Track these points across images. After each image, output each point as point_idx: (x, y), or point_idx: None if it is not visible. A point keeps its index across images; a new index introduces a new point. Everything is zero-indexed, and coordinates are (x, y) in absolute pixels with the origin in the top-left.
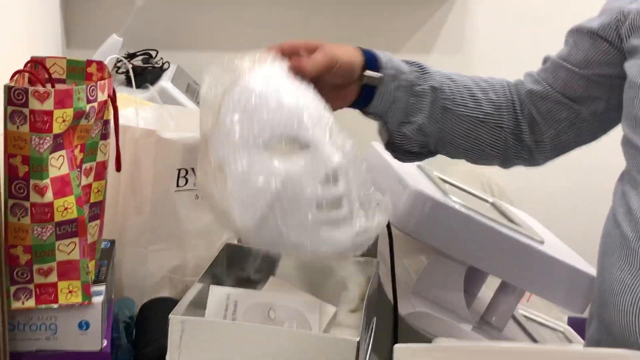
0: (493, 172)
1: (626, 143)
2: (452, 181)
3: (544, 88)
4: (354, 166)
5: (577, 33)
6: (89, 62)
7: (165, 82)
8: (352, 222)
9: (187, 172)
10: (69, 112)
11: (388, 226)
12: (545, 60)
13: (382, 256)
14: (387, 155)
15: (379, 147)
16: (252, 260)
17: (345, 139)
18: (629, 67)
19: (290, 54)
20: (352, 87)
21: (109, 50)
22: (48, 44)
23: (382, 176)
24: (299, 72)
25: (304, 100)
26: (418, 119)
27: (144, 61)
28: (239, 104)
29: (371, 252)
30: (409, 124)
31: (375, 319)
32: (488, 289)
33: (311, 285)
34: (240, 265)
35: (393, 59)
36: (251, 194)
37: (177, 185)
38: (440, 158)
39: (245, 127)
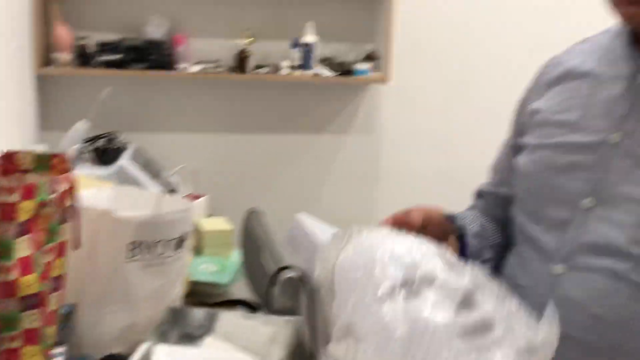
0: None
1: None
2: None
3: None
4: (488, 286)
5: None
6: (54, 156)
7: (125, 160)
8: (509, 343)
9: (137, 245)
10: (34, 203)
11: (305, 284)
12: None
13: (306, 314)
14: (308, 224)
15: (301, 219)
16: (193, 319)
17: (466, 266)
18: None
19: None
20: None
21: (77, 135)
22: (23, 126)
23: (306, 245)
24: (405, 226)
25: (415, 244)
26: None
27: (107, 142)
28: (354, 264)
29: (295, 309)
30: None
31: None
32: None
33: (244, 341)
34: (183, 324)
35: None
36: (382, 348)
37: (128, 257)
38: None
39: (364, 284)
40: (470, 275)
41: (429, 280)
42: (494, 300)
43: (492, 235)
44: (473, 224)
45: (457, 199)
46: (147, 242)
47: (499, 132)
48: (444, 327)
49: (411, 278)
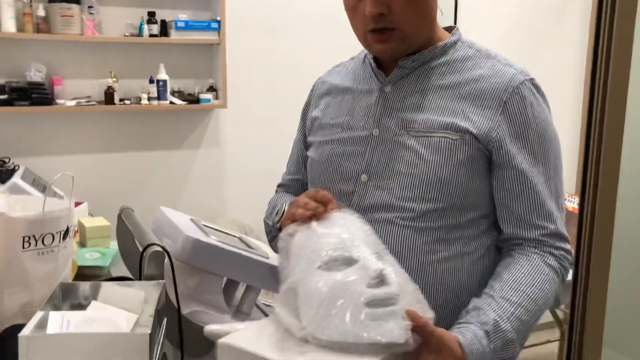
0: (249, 219)
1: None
2: (215, 226)
3: None
4: (406, 279)
5: None
6: None
7: (17, 179)
8: (402, 317)
9: (29, 238)
10: None
11: (169, 255)
12: None
13: (169, 278)
14: (169, 213)
15: (164, 210)
16: (80, 291)
17: (395, 263)
18: None
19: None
20: None
21: None
22: None
23: (167, 228)
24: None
25: (353, 230)
26: None
27: (0, 165)
28: (301, 242)
29: (161, 275)
30: None
31: (166, 319)
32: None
33: (123, 303)
34: (73, 296)
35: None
36: (310, 300)
37: (23, 248)
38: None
39: (307, 256)
40: (387, 261)
41: (354, 261)
42: (400, 283)
43: None
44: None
45: None
46: (37, 235)
47: None
48: (357, 294)
49: (341, 258)
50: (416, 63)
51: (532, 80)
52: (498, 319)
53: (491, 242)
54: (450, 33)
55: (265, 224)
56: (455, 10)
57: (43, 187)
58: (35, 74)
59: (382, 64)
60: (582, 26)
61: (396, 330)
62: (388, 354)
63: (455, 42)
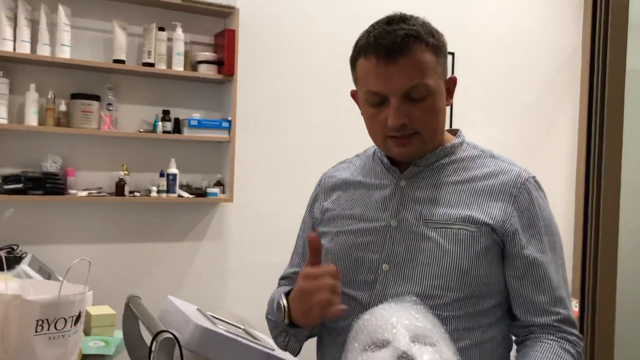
0: (249, 314)
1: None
2: (221, 317)
3: None
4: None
5: None
6: None
7: (24, 265)
8: None
9: (43, 322)
10: None
11: (179, 343)
12: None
13: None
14: (177, 302)
15: (171, 299)
16: None
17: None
18: None
19: None
20: None
21: None
22: None
23: (175, 316)
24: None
25: (396, 318)
26: None
27: (9, 252)
28: (357, 328)
29: None
30: None
31: None
32: None
33: None
34: None
35: None
36: None
37: (35, 332)
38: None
39: (358, 340)
40: (427, 344)
41: (388, 343)
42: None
43: None
44: None
45: None
46: (51, 319)
47: None
48: None
49: (380, 340)
50: (429, 161)
51: (534, 177)
52: None
53: (507, 331)
54: (454, 135)
55: (268, 320)
56: (450, 118)
57: (48, 275)
58: (52, 165)
59: (393, 161)
60: (572, 136)
61: None
62: None
63: (461, 143)
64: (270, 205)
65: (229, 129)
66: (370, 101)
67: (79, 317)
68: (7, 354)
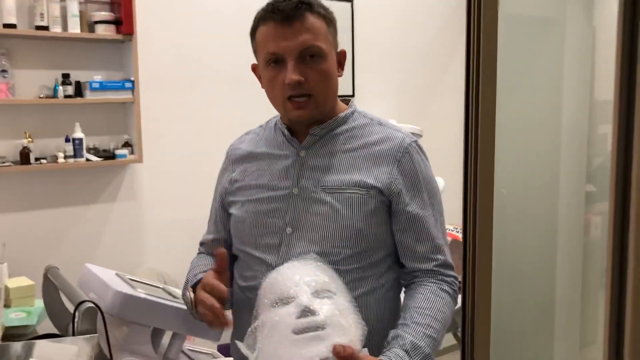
0: (168, 268)
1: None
2: (139, 279)
3: None
4: (328, 304)
5: None
6: None
7: None
8: (327, 342)
9: None
10: None
11: (100, 310)
12: None
13: (101, 332)
14: (95, 269)
15: (89, 267)
16: (13, 352)
17: (340, 299)
18: None
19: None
20: None
21: None
22: None
23: (95, 283)
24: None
25: (299, 276)
26: None
27: None
28: (265, 286)
29: (93, 330)
30: None
31: None
32: (168, 337)
33: (58, 357)
34: (6, 357)
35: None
36: (262, 332)
37: None
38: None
39: (267, 297)
40: (326, 297)
41: (292, 299)
42: (327, 314)
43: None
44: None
45: (194, 241)
46: None
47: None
48: (285, 325)
49: (284, 296)
50: (324, 131)
51: (416, 141)
52: (414, 340)
53: (395, 277)
54: (347, 105)
55: (183, 294)
56: (352, 65)
57: None
58: None
59: (293, 132)
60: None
61: (321, 351)
62: None
63: (352, 113)
64: (179, 163)
65: (132, 89)
66: (270, 63)
67: None
68: None
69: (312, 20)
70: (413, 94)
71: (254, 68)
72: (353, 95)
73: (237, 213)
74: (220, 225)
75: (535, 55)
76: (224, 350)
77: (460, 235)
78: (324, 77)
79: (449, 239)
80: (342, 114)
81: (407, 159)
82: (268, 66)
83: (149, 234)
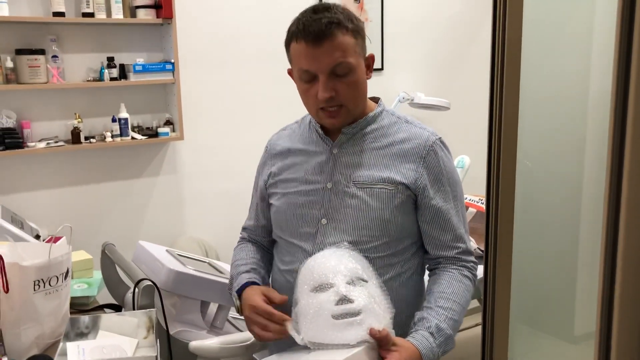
0: (208, 236)
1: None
2: (187, 254)
3: None
4: (362, 292)
5: None
6: None
7: None
8: (363, 326)
9: (39, 282)
10: None
11: (158, 288)
12: None
13: (157, 305)
14: (148, 247)
15: (142, 244)
16: (83, 323)
17: (363, 288)
18: None
19: None
20: None
21: None
22: None
23: (149, 260)
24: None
25: (334, 264)
26: None
27: None
28: (304, 272)
29: (151, 304)
30: None
31: (158, 339)
32: (214, 307)
33: (121, 330)
34: (77, 327)
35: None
36: (306, 316)
37: (34, 290)
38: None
39: (306, 282)
40: (360, 285)
41: (331, 285)
42: (363, 301)
43: (260, 261)
44: (252, 270)
45: (236, 210)
46: (45, 279)
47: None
48: (325, 310)
49: (324, 282)
50: (354, 129)
51: (440, 138)
52: (438, 322)
53: (420, 262)
54: (376, 103)
55: (230, 280)
56: (382, 39)
57: (21, 224)
58: (7, 121)
59: (326, 130)
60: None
61: (359, 334)
62: (356, 352)
63: (381, 112)
64: (217, 138)
65: (173, 70)
66: (303, 78)
67: (67, 273)
68: (13, 311)
69: (341, 38)
70: (441, 66)
71: (290, 72)
72: (382, 69)
73: (277, 204)
74: (260, 214)
75: (563, 22)
76: None
77: (482, 206)
78: (354, 88)
79: (474, 210)
80: (371, 114)
81: (432, 156)
82: (301, 79)
83: (190, 205)
